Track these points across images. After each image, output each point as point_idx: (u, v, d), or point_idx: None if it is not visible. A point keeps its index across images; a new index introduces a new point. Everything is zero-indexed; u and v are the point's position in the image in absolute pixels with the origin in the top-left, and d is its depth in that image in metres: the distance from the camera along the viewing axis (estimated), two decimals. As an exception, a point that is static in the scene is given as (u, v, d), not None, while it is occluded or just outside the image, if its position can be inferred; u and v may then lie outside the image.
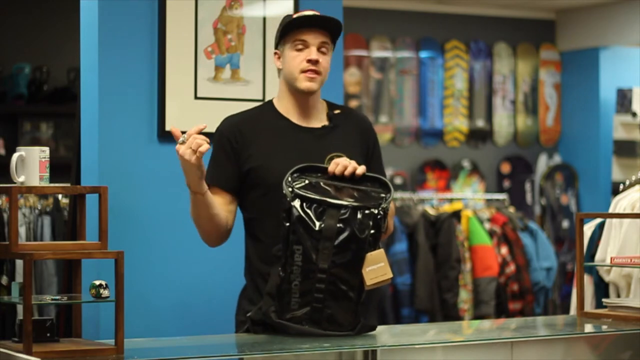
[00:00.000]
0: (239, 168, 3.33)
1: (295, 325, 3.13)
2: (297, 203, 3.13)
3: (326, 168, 3.21)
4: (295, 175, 3.18)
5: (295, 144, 3.35)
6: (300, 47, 3.33)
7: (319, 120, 3.42)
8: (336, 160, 3.22)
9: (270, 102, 3.46)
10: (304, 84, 3.33)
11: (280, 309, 3.15)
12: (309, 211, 3.12)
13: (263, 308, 3.19)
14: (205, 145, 3.10)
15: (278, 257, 3.15)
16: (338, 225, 3.11)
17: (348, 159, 3.23)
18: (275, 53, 3.41)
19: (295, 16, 3.34)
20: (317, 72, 3.32)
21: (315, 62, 3.31)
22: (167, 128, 4.14)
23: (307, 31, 3.32)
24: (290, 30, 3.34)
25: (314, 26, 3.33)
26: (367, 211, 3.13)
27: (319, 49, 3.33)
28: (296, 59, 3.33)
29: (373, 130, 3.53)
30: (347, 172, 3.19)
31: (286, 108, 3.40)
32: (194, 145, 3.10)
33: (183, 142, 3.10)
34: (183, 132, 3.12)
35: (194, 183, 3.18)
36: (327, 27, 3.35)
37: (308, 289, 3.12)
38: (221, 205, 3.32)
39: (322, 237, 3.10)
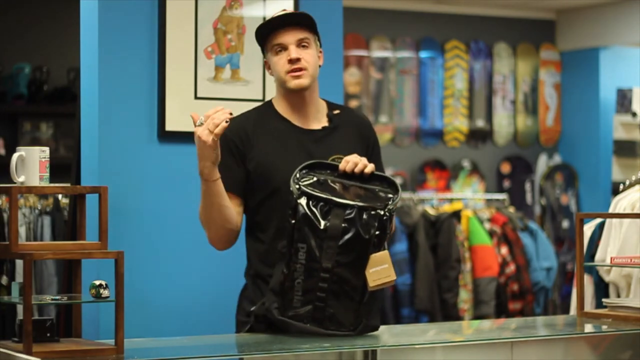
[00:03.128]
0: (245, 170, 3.33)
1: (297, 324, 3.13)
2: (303, 201, 3.12)
3: (336, 165, 3.20)
4: (304, 171, 3.17)
5: (297, 146, 3.34)
6: (279, 49, 3.33)
7: (319, 121, 3.42)
8: (347, 157, 3.22)
9: (270, 102, 3.46)
10: (292, 82, 3.33)
11: (282, 305, 3.14)
12: (314, 209, 3.12)
13: (266, 304, 3.19)
14: (222, 125, 3.07)
15: (282, 254, 3.15)
16: (343, 225, 3.11)
17: (358, 157, 3.23)
18: (265, 62, 3.42)
19: (262, 22, 3.35)
20: (301, 69, 3.32)
21: (296, 60, 3.31)
22: (167, 128, 4.14)
23: (281, 33, 3.32)
24: (265, 37, 3.35)
25: (285, 26, 3.33)
26: (372, 212, 3.12)
27: (298, 45, 3.33)
28: (279, 63, 3.33)
29: (372, 129, 3.53)
30: (357, 170, 3.18)
31: (285, 110, 3.40)
32: (211, 126, 3.09)
33: (201, 124, 3.09)
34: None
35: (207, 169, 3.16)
36: (299, 23, 3.34)
37: (311, 288, 3.11)
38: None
39: (326, 237, 3.10)
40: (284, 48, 3.33)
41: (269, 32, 3.34)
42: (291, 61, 3.31)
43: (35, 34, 7.44)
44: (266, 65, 3.42)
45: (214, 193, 3.21)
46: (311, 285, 3.12)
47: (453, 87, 8.36)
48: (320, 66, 3.40)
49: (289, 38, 3.32)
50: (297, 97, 3.37)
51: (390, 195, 3.17)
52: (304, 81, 3.33)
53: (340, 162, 3.21)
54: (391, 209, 3.14)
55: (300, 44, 3.33)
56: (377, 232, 3.12)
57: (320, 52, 3.41)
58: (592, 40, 8.41)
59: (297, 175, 3.16)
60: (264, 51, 3.41)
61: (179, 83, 4.17)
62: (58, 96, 7.40)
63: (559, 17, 8.65)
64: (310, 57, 3.34)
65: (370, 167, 3.20)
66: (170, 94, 4.15)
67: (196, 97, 4.21)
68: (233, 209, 3.29)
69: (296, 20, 3.34)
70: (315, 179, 3.17)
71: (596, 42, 8.38)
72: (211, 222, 3.28)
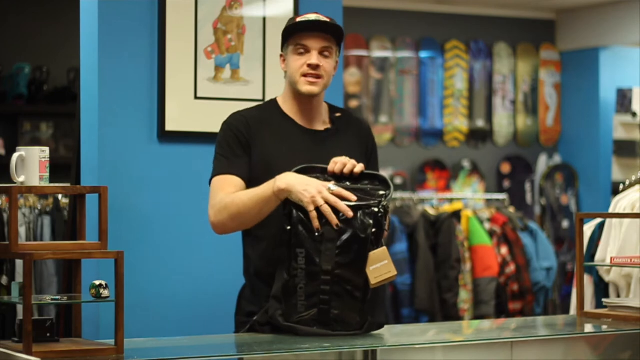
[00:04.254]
0: (250, 159, 3.33)
1: (305, 328, 3.13)
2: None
3: (325, 168, 3.21)
4: None
5: (299, 146, 3.35)
6: (301, 51, 3.34)
7: (322, 123, 3.43)
8: (335, 159, 3.22)
9: (275, 100, 3.47)
10: (304, 87, 3.34)
11: (287, 311, 3.14)
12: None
13: (270, 311, 3.19)
14: (330, 213, 3.09)
15: (282, 260, 3.15)
16: (339, 226, 3.11)
17: (347, 158, 3.23)
18: (281, 56, 3.42)
19: (297, 20, 3.35)
20: (318, 76, 3.33)
21: (315, 67, 3.32)
22: (167, 128, 4.14)
23: (309, 36, 3.33)
24: (292, 34, 3.35)
25: (315, 31, 3.33)
26: (367, 210, 3.13)
27: (320, 53, 3.33)
28: (297, 63, 3.34)
29: (371, 133, 3.55)
30: (346, 170, 3.19)
31: (291, 109, 3.41)
32: (328, 198, 3.10)
33: (329, 189, 3.12)
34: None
35: (287, 185, 3.14)
36: (328, 31, 3.35)
37: (313, 291, 3.12)
38: None
39: (324, 239, 3.10)
40: (306, 50, 3.33)
41: (297, 31, 3.33)
42: (310, 66, 3.32)
43: (35, 34, 7.44)
44: (281, 59, 3.42)
45: (271, 206, 3.19)
46: (313, 289, 3.12)
47: (453, 87, 8.36)
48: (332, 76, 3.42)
49: (315, 43, 3.33)
50: (305, 100, 3.39)
51: (382, 192, 3.18)
52: (315, 89, 3.34)
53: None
54: (385, 205, 3.15)
55: (323, 52, 3.34)
56: (373, 230, 3.12)
57: (337, 62, 3.42)
58: (592, 40, 8.41)
59: None
60: (283, 44, 3.40)
61: (179, 83, 4.17)
62: (58, 96, 7.39)
63: (559, 17, 8.65)
64: (329, 67, 3.36)
65: (359, 167, 3.21)
66: (170, 94, 4.15)
67: (196, 97, 4.21)
68: None
69: (326, 28, 3.34)
70: None
71: (596, 42, 8.38)
72: (241, 219, 3.25)
